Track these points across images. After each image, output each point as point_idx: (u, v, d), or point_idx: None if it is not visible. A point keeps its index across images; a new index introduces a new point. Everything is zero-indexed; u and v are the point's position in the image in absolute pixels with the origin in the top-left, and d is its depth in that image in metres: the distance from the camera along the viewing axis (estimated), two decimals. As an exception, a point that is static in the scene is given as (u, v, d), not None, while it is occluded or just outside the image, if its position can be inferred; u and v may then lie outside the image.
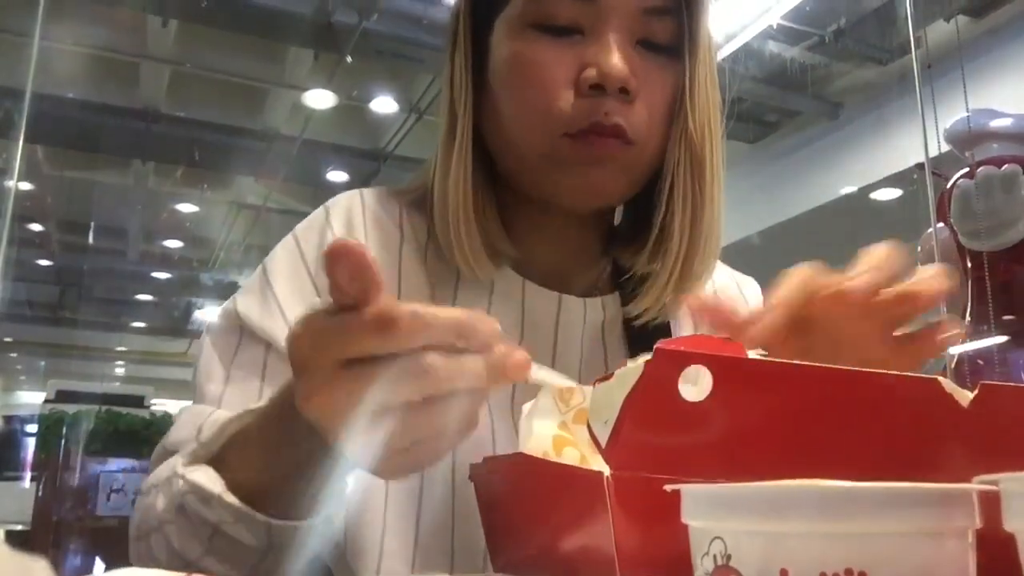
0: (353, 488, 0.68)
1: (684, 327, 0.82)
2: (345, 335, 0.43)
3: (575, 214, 0.76)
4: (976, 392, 0.39)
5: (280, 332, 0.69)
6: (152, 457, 0.69)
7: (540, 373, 0.50)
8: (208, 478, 0.56)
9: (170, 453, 0.66)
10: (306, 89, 6.39)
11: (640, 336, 0.76)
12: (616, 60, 0.67)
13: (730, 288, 0.89)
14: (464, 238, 0.71)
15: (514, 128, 0.70)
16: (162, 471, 0.63)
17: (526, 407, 0.54)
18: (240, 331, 0.72)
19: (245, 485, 0.55)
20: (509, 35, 0.70)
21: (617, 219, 0.82)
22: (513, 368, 0.46)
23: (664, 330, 0.78)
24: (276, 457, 0.54)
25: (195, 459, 0.58)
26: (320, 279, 0.73)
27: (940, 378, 0.40)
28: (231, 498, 0.54)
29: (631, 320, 0.77)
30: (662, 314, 0.77)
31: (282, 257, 0.75)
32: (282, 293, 0.72)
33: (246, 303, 0.73)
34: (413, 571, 0.67)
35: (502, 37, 0.71)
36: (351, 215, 0.77)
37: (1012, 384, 0.39)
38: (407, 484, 0.68)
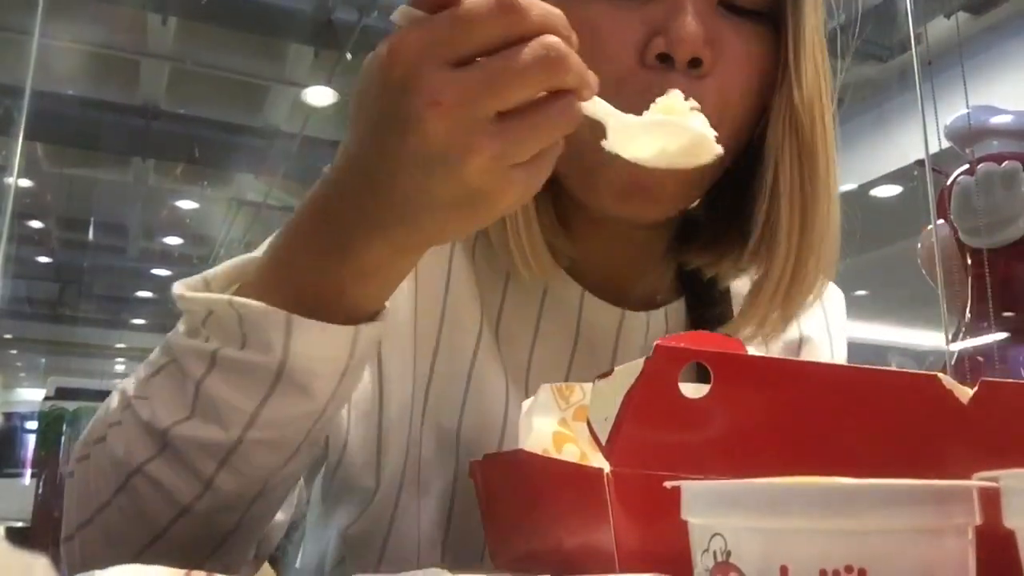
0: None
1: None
2: (463, 24, 0.40)
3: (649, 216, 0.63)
4: (976, 389, 0.39)
5: None
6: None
7: (598, 106, 0.45)
8: (207, 296, 0.49)
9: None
10: (306, 86, 6.39)
11: None
12: (690, 25, 0.55)
13: (815, 316, 0.78)
14: (522, 230, 0.62)
15: None
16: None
17: (525, 404, 0.54)
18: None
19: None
20: None
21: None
22: (593, 81, 0.43)
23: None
24: (313, 268, 0.48)
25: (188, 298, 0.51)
26: None
27: (940, 375, 0.40)
28: (242, 299, 0.48)
29: (700, 327, 0.69)
30: (766, 335, 0.66)
31: None
32: None
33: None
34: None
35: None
36: None
37: (1012, 381, 0.39)
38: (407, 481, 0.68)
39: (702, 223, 0.70)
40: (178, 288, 0.51)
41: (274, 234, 0.52)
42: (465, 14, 0.40)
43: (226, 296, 0.49)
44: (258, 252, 0.54)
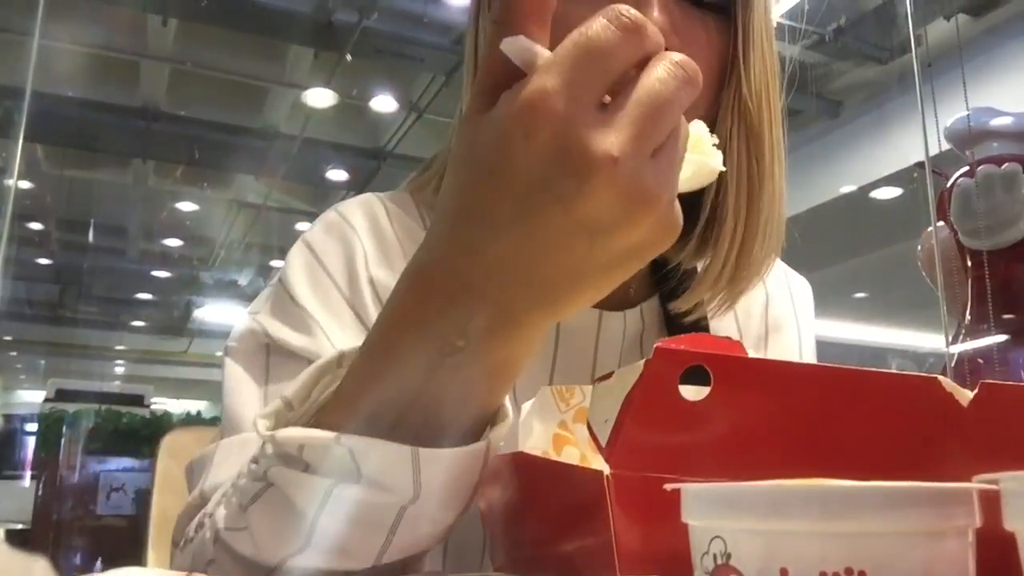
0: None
1: (726, 330, 0.74)
2: (600, 58, 0.36)
3: None
4: (976, 391, 0.39)
5: (324, 347, 0.62)
6: (180, 513, 0.57)
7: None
8: (307, 431, 0.43)
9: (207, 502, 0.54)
10: (306, 88, 6.39)
11: None
12: (657, 14, 0.58)
13: (781, 293, 0.81)
14: None
15: None
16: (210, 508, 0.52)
17: (525, 406, 0.54)
18: (267, 350, 0.65)
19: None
20: None
21: None
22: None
23: (705, 331, 0.72)
24: (406, 383, 0.42)
25: (278, 423, 0.46)
26: (347, 289, 0.68)
27: (940, 377, 0.39)
28: (353, 437, 0.42)
29: (674, 321, 0.71)
30: (712, 312, 0.69)
31: (300, 269, 0.68)
32: (312, 308, 0.65)
33: (274, 325, 0.65)
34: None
35: None
36: (375, 220, 0.71)
37: (1012, 383, 0.39)
38: None
39: None
40: (262, 426, 0.46)
41: (351, 352, 0.47)
42: (598, 47, 0.37)
43: (332, 433, 0.43)
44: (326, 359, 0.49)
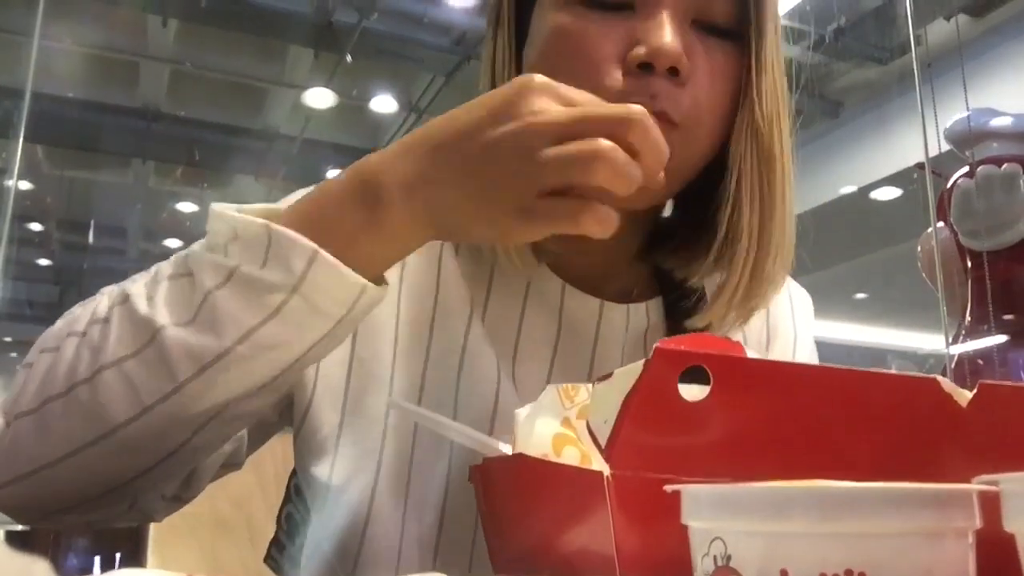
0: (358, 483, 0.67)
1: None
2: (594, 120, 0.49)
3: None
4: (975, 392, 0.39)
5: None
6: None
7: None
8: (245, 217, 0.53)
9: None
10: (306, 88, 6.39)
11: None
12: (667, 36, 0.61)
13: (782, 301, 0.83)
14: None
15: None
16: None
17: (526, 408, 0.54)
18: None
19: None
20: (555, 7, 0.65)
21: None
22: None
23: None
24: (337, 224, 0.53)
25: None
26: None
27: (939, 378, 0.39)
28: (278, 225, 0.52)
29: (678, 322, 0.73)
30: (725, 329, 0.71)
31: None
32: None
33: None
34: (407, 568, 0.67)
35: (546, 10, 0.66)
36: None
37: (1011, 384, 0.39)
38: (402, 482, 0.68)
39: (674, 227, 0.76)
40: (216, 207, 0.55)
41: (302, 192, 0.58)
42: (594, 114, 0.50)
43: (262, 220, 0.53)
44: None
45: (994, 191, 2.81)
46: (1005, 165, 2.82)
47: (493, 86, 0.65)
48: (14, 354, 11.85)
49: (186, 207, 8.57)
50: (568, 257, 0.72)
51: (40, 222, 8.37)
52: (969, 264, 2.89)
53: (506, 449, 0.52)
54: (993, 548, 0.30)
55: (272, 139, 7.09)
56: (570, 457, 0.50)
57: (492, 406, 0.69)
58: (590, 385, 0.51)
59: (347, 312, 0.54)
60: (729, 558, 0.30)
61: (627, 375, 0.41)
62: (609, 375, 0.43)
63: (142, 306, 0.54)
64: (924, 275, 3.06)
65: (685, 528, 0.32)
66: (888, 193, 5.83)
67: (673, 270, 0.73)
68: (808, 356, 0.84)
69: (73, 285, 10.26)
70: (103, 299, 0.57)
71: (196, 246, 0.56)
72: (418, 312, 0.71)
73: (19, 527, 0.55)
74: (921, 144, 3.23)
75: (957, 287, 2.92)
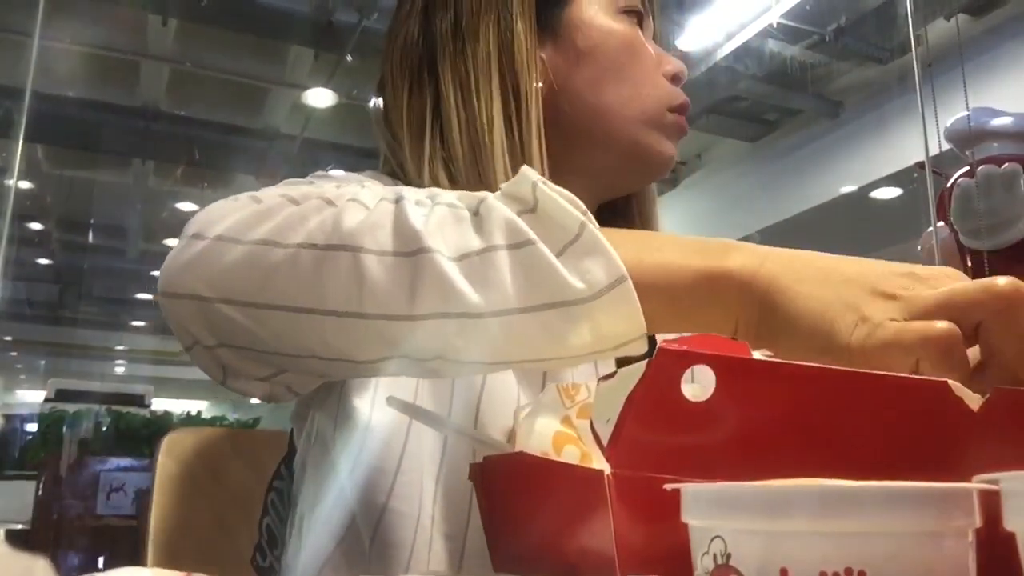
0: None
1: None
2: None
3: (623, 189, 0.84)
4: (988, 396, 0.38)
5: None
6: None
7: None
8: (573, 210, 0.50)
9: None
10: (306, 88, 6.39)
11: None
12: (667, 66, 0.81)
13: None
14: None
15: (621, 97, 0.78)
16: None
17: (525, 408, 0.54)
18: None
19: None
20: (607, 15, 0.79)
21: None
22: None
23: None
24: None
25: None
26: None
27: (949, 381, 0.39)
28: (598, 233, 0.49)
29: None
30: None
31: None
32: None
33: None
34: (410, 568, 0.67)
35: (597, 16, 0.79)
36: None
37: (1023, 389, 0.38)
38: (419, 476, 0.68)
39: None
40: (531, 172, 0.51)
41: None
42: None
43: (582, 217, 0.49)
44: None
45: (994, 190, 2.81)
46: (1005, 164, 2.82)
47: (513, 68, 0.76)
48: (14, 353, 11.85)
49: (186, 207, 8.57)
50: None
51: (40, 222, 8.37)
52: (969, 263, 2.89)
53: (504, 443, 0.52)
54: (993, 547, 0.30)
55: (272, 139, 7.08)
56: (570, 456, 0.51)
57: (515, 399, 0.71)
58: (591, 384, 0.51)
59: (604, 348, 0.50)
60: (729, 556, 0.30)
61: (630, 374, 0.41)
62: (613, 374, 0.43)
63: (417, 218, 0.50)
64: (924, 275, 3.05)
65: (685, 526, 0.32)
66: (888, 192, 5.83)
67: None
68: None
69: (73, 285, 10.27)
70: (353, 186, 0.55)
71: (500, 198, 0.52)
72: None
73: (19, 526, 0.55)
74: (921, 143, 3.22)
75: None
